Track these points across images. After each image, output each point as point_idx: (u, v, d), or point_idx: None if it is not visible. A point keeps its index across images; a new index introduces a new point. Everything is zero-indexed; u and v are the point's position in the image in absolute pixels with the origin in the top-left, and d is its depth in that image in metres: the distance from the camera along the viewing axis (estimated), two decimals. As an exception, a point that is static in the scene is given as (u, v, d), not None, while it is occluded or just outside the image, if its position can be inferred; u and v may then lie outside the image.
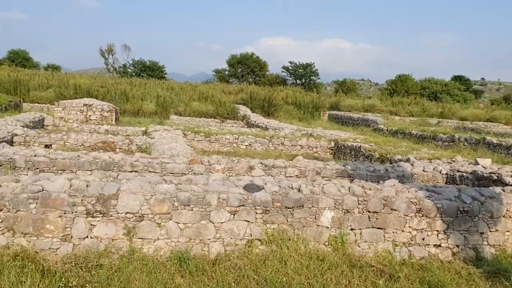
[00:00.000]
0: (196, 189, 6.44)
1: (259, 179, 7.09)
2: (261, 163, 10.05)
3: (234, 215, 6.42)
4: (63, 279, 5.16)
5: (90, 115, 22.27)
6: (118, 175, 6.83)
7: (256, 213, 6.49)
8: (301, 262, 6.15)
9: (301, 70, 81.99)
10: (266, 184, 6.93)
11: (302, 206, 6.62)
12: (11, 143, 12.29)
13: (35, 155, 8.93)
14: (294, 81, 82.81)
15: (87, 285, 5.14)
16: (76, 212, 5.97)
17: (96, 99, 25.46)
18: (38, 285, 4.97)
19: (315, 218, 6.68)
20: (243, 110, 31.43)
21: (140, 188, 6.25)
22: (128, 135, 16.49)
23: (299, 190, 6.80)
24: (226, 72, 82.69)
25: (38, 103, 29.86)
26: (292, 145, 16.40)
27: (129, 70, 77.62)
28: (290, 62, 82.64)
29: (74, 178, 6.41)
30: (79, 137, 13.30)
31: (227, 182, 6.88)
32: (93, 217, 6.03)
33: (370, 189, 7.11)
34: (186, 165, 9.50)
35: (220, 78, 79.00)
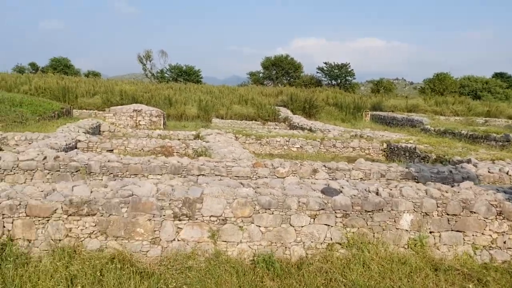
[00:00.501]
0: (276, 193, 6.53)
1: (335, 183, 7.12)
2: (324, 166, 10.07)
3: (314, 219, 6.47)
4: (161, 280, 5.35)
5: (139, 120, 22.84)
6: (197, 179, 7.01)
7: (336, 217, 6.53)
8: (383, 265, 6.14)
9: (336, 71, 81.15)
10: (343, 187, 6.96)
11: (382, 209, 6.61)
12: (74, 148, 12.77)
13: (108, 161, 9.26)
14: (330, 82, 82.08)
15: (184, 286, 5.31)
16: (164, 215, 6.17)
17: (141, 104, 26.05)
18: (140, 287, 5.17)
19: (394, 221, 6.66)
20: (284, 112, 31.46)
21: (222, 191, 6.40)
22: (179, 139, 16.83)
23: (377, 194, 6.79)
24: (261, 75, 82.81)
25: (86, 109, 30.81)
26: (343, 147, 16.32)
27: (166, 75, 78.83)
28: (325, 63, 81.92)
29: (160, 183, 6.63)
30: (139, 142, 13.68)
31: (303, 185, 6.95)
32: (179, 220, 6.22)
33: (447, 192, 7.03)
34: (250, 168, 9.63)
35: (255, 81, 79.22)
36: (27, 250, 5.86)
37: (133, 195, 6.20)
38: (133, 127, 22.28)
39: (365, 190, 6.91)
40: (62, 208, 5.95)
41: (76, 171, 9.11)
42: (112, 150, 13.45)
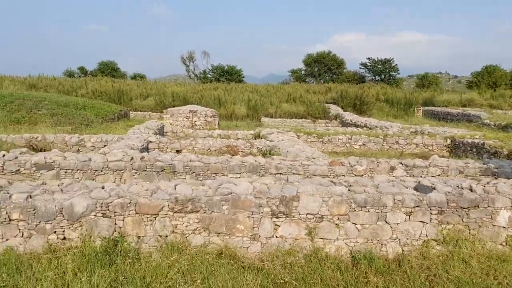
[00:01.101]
0: (370, 190, 6.60)
1: (425, 180, 7.11)
2: (401, 163, 10.04)
3: (409, 216, 6.50)
4: (271, 276, 5.54)
5: (195, 121, 23.36)
6: (288, 178, 7.17)
7: (431, 213, 6.53)
8: (483, 263, 6.10)
9: (380, 66, 79.78)
10: (433, 184, 6.95)
11: (478, 206, 6.56)
12: (147, 149, 13.27)
13: (190, 160, 9.60)
14: (373, 78, 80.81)
15: (293, 282, 5.48)
16: (262, 213, 6.37)
17: (196, 105, 26.59)
18: (254, 282, 5.38)
19: (491, 218, 6.60)
20: (334, 109, 31.29)
21: (316, 190, 6.53)
22: (238, 138, 17.12)
23: (471, 190, 6.74)
24: (303, 72, 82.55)
25: (140, 111, 31.78)
26: (406, 144, 16.12)
27: (209, 75, 79.76)
28: (368, 58, 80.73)
29: (254, 181, 6.84)
30: (205, 142, 14.04)
31: (395, 183, 6.98)
32: (277, 217, 6.41)
33: (543, 188, 6.88)
34: (327, 166, 9.73)
35: (297, 78, 79.08)
36: (138, 246, 6.20)
37: (232, 193, 6.44)
38: (189, 127, 22.81)
39: (458, 186, 6.87)
40: (168, 205, 6.26)
41: (162, 171, 9.50)
42: (181, 150, 13.87)
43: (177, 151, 13.78)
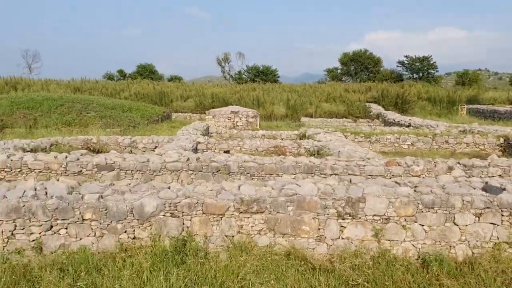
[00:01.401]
0: (437, 191, 6.48)
1: (493, 181, 6.92)
2: (459, 163, 9.80)
3: (479, 217, 6.34)
4: (343, 277, 5.52)
5: (236, 122, 23.55)
6: (351, 179, 7.13)
7: (502, 215, 6.35)
8: (559, 266, 5.88)
9: (418, 64, 78.19)
10: (502, 185, 6.75)
11: (552, 207, 6.33)
12: (196, 150, 13.47)
13: (244, 161, 9.69)
14: (411, 76, 79.20)
15: (366, 284, 5.44)
16: (327, 214, 6.36)
17: (237, 106, 26.78)
18: (326, 283, 5.38)
19: None
20: (375, 108, 30.84)
21: (382, 191, 6.46)
22: (283, 138, 17.12)
23: (544, 191, 6.51)
24: (339, 71, 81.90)
25: (181, 112, 32.30)
26: (456, 143, 15.71)
27: (244, 76, 80.00)
28: (406, 56, 79.28)
29: (317, 182, 6.84)
30: (253, 143, 14.13)
31: (461, 183, 6.83)
32: (343, 219, 6.38)
33: None
34: (383, 167, 9.61)
35: (333, 77, 78.50)
36: (205, 246, 6.31)
37: (296, 194, 6.45)
38: (230, 128, 23.01)
39: (529, 187, 6.65)
40: (233, 206, 6.34)
41: (217, 171, 9.63)
42: (229, 151, 14.00)
43: (225, 152, 13.92)
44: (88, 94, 33.29)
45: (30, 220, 6.41)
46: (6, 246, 6.44)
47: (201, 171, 9.67)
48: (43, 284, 5.38)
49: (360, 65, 78.31)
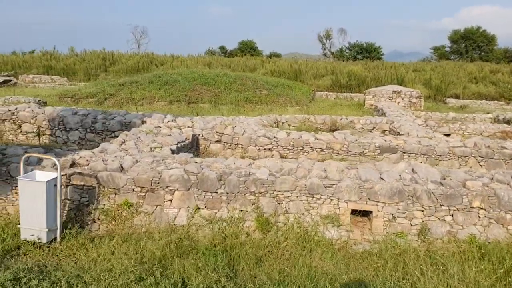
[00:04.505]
0: None
1: None
2: None
3: None
4: None
5: (398, 102, 22.73)
6: None
7: None
8: None
9: (540, 41, 71.40)
10: None
11: None
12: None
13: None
14: (531, 55, 72.58)
15: None
16: None
17: (399, 86, 25.87)
18: None
19: None
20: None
21: None
22: (476, 122, 16.14)
23: None
24: (447, 49, 77.35)
25: (317, 91, 31.98)
26: None
27: (346, 53, 77.86)
28: (527, 33, 72.71)
29: None
30: (477, 127, 13.42)
31: None
32: None
33: None
34: None
35: (440, 56, 74.31)
36: None
37: None
38: (392, 108, 22.24)
39: None
40: None
41: (511, 159, 9.11)
42: (449, 134, 13.38)
43: (446, 135, 13.31)
44: (221, 69, 33.97)
45: (413, 205, 6.31)
46: (386, 229, 6.42)
47: (492, 158, 9.18)
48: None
49: (472, 43, 73.25)
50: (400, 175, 6.56)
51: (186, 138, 9.24)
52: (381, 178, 6.52)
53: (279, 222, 6.52)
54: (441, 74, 32.64)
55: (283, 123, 13.83)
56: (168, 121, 10.38)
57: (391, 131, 12.90)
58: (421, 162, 9.42)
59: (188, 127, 10.14)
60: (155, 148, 8.14)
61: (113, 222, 6.64)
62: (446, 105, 26.88)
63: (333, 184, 6.47)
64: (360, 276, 5.25)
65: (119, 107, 18.54)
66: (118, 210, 6.69)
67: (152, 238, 6.07)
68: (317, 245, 6.05)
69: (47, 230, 5.72)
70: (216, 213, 6.65)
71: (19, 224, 5.88)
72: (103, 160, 7.11)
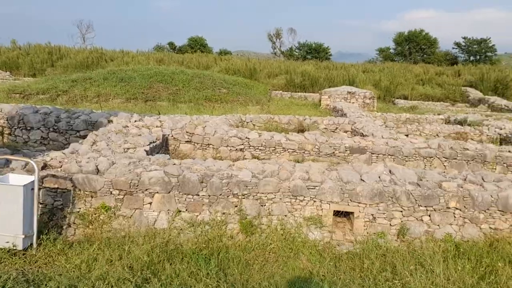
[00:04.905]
0: None
1: None
2: None
3: None
4: None
5: (353, 103, 23.36)
6: None
7: None
8: None
9: (476, 46, 76.49)
10: None
11: None
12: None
13: (499, 151, 9.63)
14: (467, 58, 77.33)
15: None
16: None
17: (352, 86, 26.53)
18: None
19: None
20: (474, 93, 30.18)
21: None
22: (430, 122, 16.90)
23: None
24: (392, 51, 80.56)
25: (272, 90, 32.20)
26: None
27: (295, 53, 78.92)
28: (464, 38, 77.62)
29: None
30: (433, 128, 14.04)
31: None
32: None
33: None
34: None
35: (385, 57, 77.21)
36: None
37: None
38: (347, 108, 22.82)
39: None
40: None
41: (472, 160, 9.59)
42: (407, 135, 13.91)
43: (406, 136, 13.83)
44: (176, 66, 33.40)
45: (393, 205, 6.50)
46: (366, 229, 6.57)
47: (456, 159, 9.63)
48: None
49: (415, 46, 76.66)
50: (379, 177, 6.72)
51: (156, 139, 9.00)
52: (361, 179, 6.66)
53: (263, 224, 6.51)
54: (389, 75, 33.84)
55: (247, 122, 13.81)
56: (135, 121, 10.06)
57: (354, 131, 13.23)
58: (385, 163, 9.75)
59: (157, 126, 9.88)
60: (128, 149, 7.87)
61: (90, 226, 6.35)
62: (395, 106, 27.93)
63: (316, 186, 6.54)
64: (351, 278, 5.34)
65: (73, 104, 17.77)
66: (95, 214, 6.41)
67: (136, 242, 5.87)
68: (302, 246, 6.10)
69: (23, 236, 5.37)
70: (197, 216, 6.53)
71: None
72: (76, 162, 6.78)
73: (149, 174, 6.49)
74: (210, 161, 7.29)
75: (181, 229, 6.43)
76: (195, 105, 18.53)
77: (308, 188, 6.52)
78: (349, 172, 6.79)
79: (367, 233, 6.52)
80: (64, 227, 6.32)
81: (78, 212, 6.41)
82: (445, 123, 17.34)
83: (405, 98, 31.10)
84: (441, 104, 29.80)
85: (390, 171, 6.98)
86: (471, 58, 76.85)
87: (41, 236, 5.66)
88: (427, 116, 17.92)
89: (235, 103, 19.26)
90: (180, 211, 6.53)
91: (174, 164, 6.98)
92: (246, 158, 9.74)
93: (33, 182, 5.49)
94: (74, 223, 6.36)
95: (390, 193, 6.46)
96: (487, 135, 13.80)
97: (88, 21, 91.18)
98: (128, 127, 9.47)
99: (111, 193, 6.46)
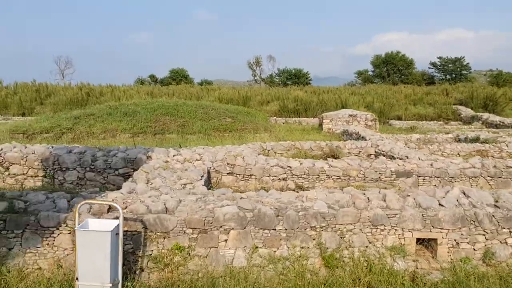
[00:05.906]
0: None
1: None
2: None
3: None
4: None
5: (355, 125, 23.46)
6: None
7: None
8: None
9: (451, 65, 79.02)
10: None
11: None
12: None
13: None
14: (444, 77, 79.68)
15: None
16: None
17: (353, 109, 26.70)
18: None
19: None
20: (464, 110, 30.85)
21: None
22: (439, 142, 17.03)
23: None
24: (370, 73, 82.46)
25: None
26: None
27: (275, 79, 79.84)
28: (439, 58, 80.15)
29: None
30: (453, 147, 14.10)
31: None
32: None
33: None
34: None
35: (364, 80, 78.82)
36: None
37: None
38: (349, 132, 22.88)
39: None
40: None
41: (514, 177, 9.58)
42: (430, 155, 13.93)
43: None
44: (168, 98, 33.15)
45: (475, 229, 6.33)
46: (450, 255, 6.37)
47: (501, 177, 9.60)
48: None
49: (393, 67, 78.58)
50: (457, 200, 6.57)
51: (203, 172, 8.69)
52: (440, 204, 6.49)
53: (345, 257, 6.23)
54: (382, 97, 34.38)
55: (268, 150, 13.59)
56: (173, 155, 9.71)
57: (379, 154, 13.14)
58: (435, 185, 9.64)
59: (197, 160, 9.56)
60: (185, 184, 7.52)
61: (165, 270, 5.95)
62: (392, 127, 28.19)
63: (396, 214, 6.32)
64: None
65: (79, 142, 17.25)
66: (169, 256, 6.02)
67: (219, 285, 5.52)
68: (395, 278, 5.83)
69: (110, 285, 4.97)
70: (275, 251, 6.21)
71: (73, 280, 5.06)
72: (140, 201, 6.41)
73: (223, 210, 6.17)
74: (275, 192, 7.02)
75: (260, 266, 6.10)
76: (205, 136, 18.24)
77: (388, 217, 6.30)
78: (425, 198, 6.61)
79: (451, 259, 6.30)
80: (137, 271, 5.91)
81: (151, 255, 6.01)
82: (456, 142, 17.48)
83: (399, 118, 31.54)
84: (435, 123, 30.28)
85: (464, 194, 6.83)
86: (447, 76, 79.14)
87: (125, 284, 5.26)
88: (437, 136, 18.03)
89: (243, 131, 19.05)
90: (257, 247, 6.20)
91: (242, 198, 6.68)
92: (290, 187, 9.51)
93: (117, 226, 5.12)
94: (147, 266, 5.96)
95: (471, 216, 6.30)
96: (507, 152, 13.92)
97: (67, 56, 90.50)
98: (168, 162, 9.13)
99: (184, 232, 6.10)
